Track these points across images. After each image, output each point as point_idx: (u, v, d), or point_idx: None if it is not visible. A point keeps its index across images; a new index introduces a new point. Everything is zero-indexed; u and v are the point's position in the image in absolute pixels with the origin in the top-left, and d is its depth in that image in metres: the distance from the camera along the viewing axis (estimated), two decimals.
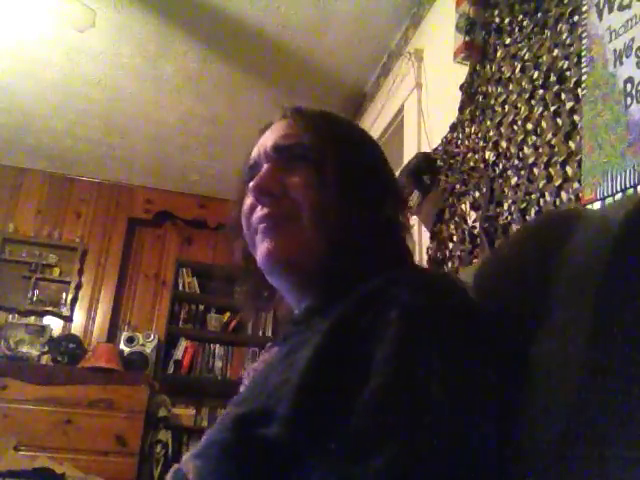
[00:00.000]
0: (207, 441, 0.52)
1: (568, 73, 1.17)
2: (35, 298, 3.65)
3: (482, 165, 1.48)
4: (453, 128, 1.71)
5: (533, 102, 1.29)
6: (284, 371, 0.51)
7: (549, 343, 0.46)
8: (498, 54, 1.50)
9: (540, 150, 1.23)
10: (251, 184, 0.65)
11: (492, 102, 1.49)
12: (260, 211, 0.66)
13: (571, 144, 1.13)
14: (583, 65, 1.08)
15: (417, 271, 0.65)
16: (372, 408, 0.43)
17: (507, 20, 1.48)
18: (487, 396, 0.46)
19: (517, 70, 1.38)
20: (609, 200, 0.95)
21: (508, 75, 1.42)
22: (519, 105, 1.34)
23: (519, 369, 0.48)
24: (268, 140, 0.69)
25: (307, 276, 0.63)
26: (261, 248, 0.65)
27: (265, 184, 0.65)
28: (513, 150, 1.34)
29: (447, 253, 1.64)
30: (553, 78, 1.22)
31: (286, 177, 0.65)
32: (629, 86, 0.95)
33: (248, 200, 0.69)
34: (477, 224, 1.46)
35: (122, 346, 3.60)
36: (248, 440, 0.46)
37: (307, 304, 0.65)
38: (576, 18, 1.16)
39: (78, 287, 3.78)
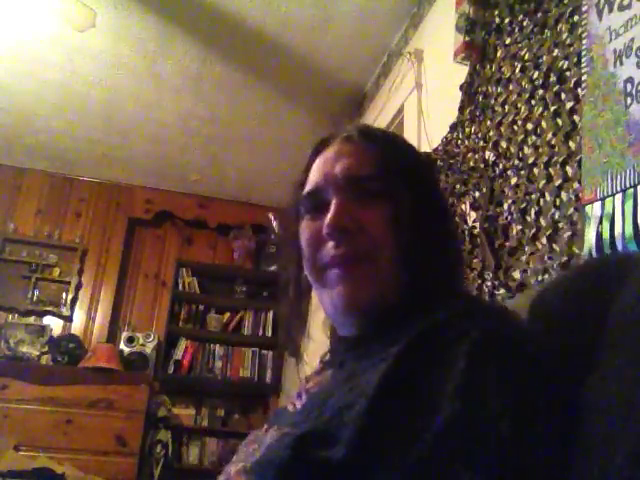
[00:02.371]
0: (263, 458, 0.51)
1: (568, 73, 1.17)
2: (35, 298, 3.66)
3: (482, 165, 1.48)
4: (453, 128, 1.71)
5: (533, 102, 1.29)
6: (345, 395, 0.51)
7: (605, 386, 0.47)
8: (498, 54, 1.50)
9: (540, 150, 1.23)
10: (327, 220, 0.61)
11: (492, 102, 1.49)
12: (334, 249, 0.61)
13: (571, 144, 1.13)
14: (583, 65, 1.08)
15: (480, 304, 0.65)
16: (437, 439, 0.43)
17: (507, 20, 1.48)
18: (553, 435, 0.47)
19: (517, 70, 1.38)
20: (609, 200, 0.95)
21: (508, 75, 1.42)
22: (519, 105, 1.34)
23: (573, 410, 0.49)
24: (336, 166, 0.64)
25: (380, 316, 0.60)
26: (335, 292, 0.61)
27: (342, 221, 0.60)
28: (513, 150, 1.34)
29: None
30: (553, 78, 1.22)
31: (361, 212, 0.61)
32: (629, 86, 0.95)
33: (309, 228, 0.65)
34: (477, 224, 1.46)
35: (122, 346, 3.60)
36: (307, 461, 0.46)
37: (364, 330, 0.62)
38: (576, 18, 1.16)
39: (78, 287, 3.78)
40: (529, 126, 1.29)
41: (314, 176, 0.66)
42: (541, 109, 1.25)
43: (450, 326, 0.51)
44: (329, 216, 0.61)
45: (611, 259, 0.67)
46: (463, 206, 1.57)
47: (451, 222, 0.70)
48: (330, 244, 0.62)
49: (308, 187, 0.67)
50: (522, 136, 1.31)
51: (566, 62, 1.18)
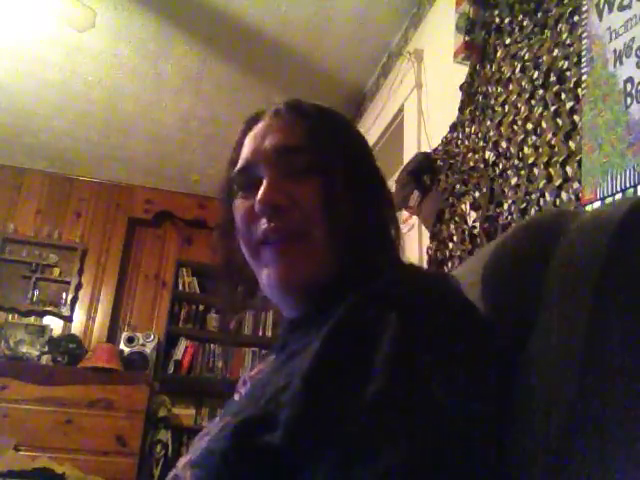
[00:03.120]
0: (205, 450, 0.51)
1: (568, 73, 1.17)
2: (35, 298, 3.66)
3: (482, 165, 1.48)
4: (453, 128, 1.71)
5: (533, 102, 1.29)
6: (283, 377, 0.50)
7: (544, 341, 0.46)
8: (498, 54, 1.50)
9: (540, 150, 1.23)
10: (258, 196, 0.60)
11: (492, 102, 1.49)
12: (266, 224, 0.60)
13: (571, 144, 1.13)
14: (583, 65, 1.08)
15: (414, 272, 0.63)
16: (372, 411, 0.42)
17: (507, 20, 1.48)
18: (487, 396, 0.46)
19: (517, 70, 1.38)
20: (609, 200, 0.95)
21: (508, 75, 1.42)
22: (519, 105, 1.34)
23: (511, 368, 0.49)
24: (265, 141, 0.63)
25: (315, 293, 0.59)
26: (271, 271, 0.60)
27: (273, 197, 0.59)
28: (513, 150, 1.34)
29: (447, 253, 1.64)
30: (553, 78, 1.22)
31: (292, 187, 0.60)
32: (629, 86, 0.95)
33: (242, 205, 0.63)
34: (477, 224, 1.46)
35: (122, 346, 3.60)
36: (249, 448, 0.45)
37: (304, 311, 0.62)
38: (576, 18, 1.16)
39: (78, 287, 3.78)
40: (529, 126, 1.29)
41: (244, 153, 0.65)
42: (541, 109, 1.25)
43: (379, 298, 0.50)
44: (260, 193, 0.60)
45: (548, 214, 0.66)
46: (463, 206, 1.57)
47: (386, 194, 0.67)
48: (263, 220, 0.60)
49: (239, 164, 0.65)
50: (522, 136, 1.31)
51: (566, 62, 1.18)
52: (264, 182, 0.61)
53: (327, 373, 0.47)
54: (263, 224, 0.60)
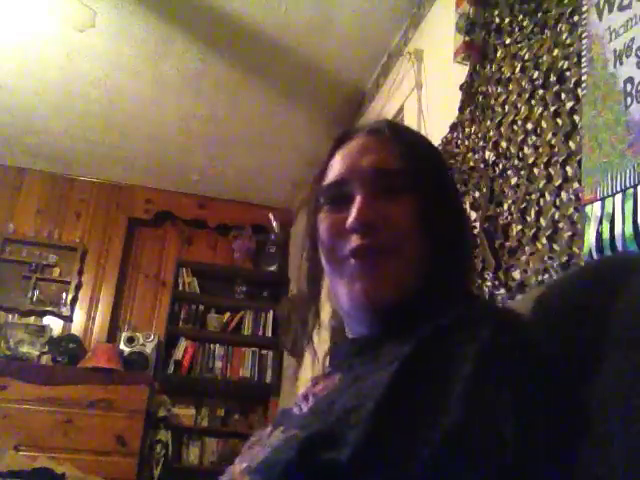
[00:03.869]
0: (269, 459, 0.52)
1: (568, 73, 1.17)
2: (35, 298, 3.65)
3: (482, 165, 1.48)
4: (453, 128, 1.71)
5: (533, 102, 1.29)
6: (352, 398, 0.51)
7: (606, 384, 0.47)
8: (498, 54, 1.50)
9: (540, 150, 1.23)
10: (353, 213, 0.60)
11: (492, 102, 1.49)
12: (357, 240, 0.60)
13: (571, 144, 1.13)
14: (583, 65, 1.08)
15: (489, 306, 0.66)
16: (447, 441, 0.43)
17: (507, 20, 1.48)
18: (556, 438, 0.47)
19: (517, 70, 1.38)
20: (609, 200, 0.95)
21: (508, 75, 1.42)
22: (519, 105, 1.34)
23: (571, 409, 0.50)
24: (362, 159, 0.64)
25: (394, 312, 0.60)
26: (356, 286, 0.60)
27: (367, 216, 0.60)
28: (513, 150, 1.34)
29: None
30: (553, 78, 1.22)
31: (386, 206, 0.61)
32: (629, 86, 0.95)
33: (329, 218, 0.64)
34: (477, 224, 1.46)
35: (122, 346, 3.60)
36: (313, 462, 0.46)
37: (371, 334, 0.62)
38: (576, 18, 1.16)
39: (78, 287, 3.78)
40: (529, 126, 1.29)
41: (338, 168, 0.65)
42: (541, 109, 1.25)
43: (458, 330, 0.51)
44: (354, 210, 0.60)
45: (612, 259, 0.68)
46: (463, 206, 1.57)
47: (467, 221, 0.70)
48: (354, 236, 0.61)
49: (332, 177, 0.66)
50: (522, 136, 1.31)
51: (566, 62, 1.18)
52: (358, 199, 0.61)
53: (401, 398, 0.47)
54: (354, 240, 0.61)
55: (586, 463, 0.46)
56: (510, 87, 1.40)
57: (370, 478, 0.44)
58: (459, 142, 1.66)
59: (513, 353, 0.50)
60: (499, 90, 1.46)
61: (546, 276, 1.15)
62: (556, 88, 1.20)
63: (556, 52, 1.22)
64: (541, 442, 0.46)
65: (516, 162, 1.32)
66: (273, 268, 3.99)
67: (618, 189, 0.93)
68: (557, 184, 1.16)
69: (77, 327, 3.73)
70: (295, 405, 0.66)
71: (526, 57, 1.34)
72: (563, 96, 1.18)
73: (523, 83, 1.34)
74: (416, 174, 0.62)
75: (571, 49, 1.17)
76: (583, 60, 1.08)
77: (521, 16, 1.40)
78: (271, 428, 0.61)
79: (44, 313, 3.67)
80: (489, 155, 1.46)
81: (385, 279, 0.60)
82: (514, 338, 0.51)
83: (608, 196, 0.95)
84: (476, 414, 0.45)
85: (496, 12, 1.54)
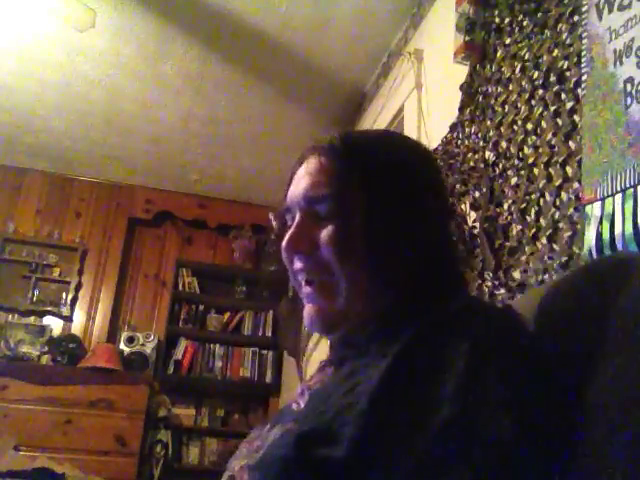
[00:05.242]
0: (266, 455, 0.52)
1: (568, 73, 1.17)
2: (35, 298, 3.65)
3: (482, 165, 1.48)
4: (453, 128, 1.71)
5: (533, 102, 1.29)
6: (346, 394, 0.51)
7: (606, 384, 0.48)
8: (498, 54, 1.50)
9: (540, 150, 1.23)
10: (284, 242, 0.65)
11: (492, 102, 1.49)
12: (297, 263, 0.65)
13: (571, 144, 1.13)
14: (583, 65, 1.08)
15: (482, 304, 0.65)
16: (441, 436, 0.44)
17: (507, 20, 1.48)
18: (552, 436, 0.47)
19: (517, 70, 1.38)
20: (609, 200, 0.95)
21: (508, 75, 1.42)
22: (519, 105, 1.34)
23: (572, 408, 0.50)
24: (300, 184, 0.66)
25: (359, 326, 0.62)
26: (305, 310, 0.65)
27: (294, 244, 0.64)
28: (513, 150, 1.34)
29: None
30: (553, 78, 1.22)
31: (316, 231, 0.63)
32: (629, 86, 0.95)
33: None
34: (477, 224, 1.46)
35: (122, 346, 3.60)
36: (309, 458, 0.47)
37: (365, 329, 0.63)
38: (576, 18, 1.16)
39: (78, 287, 3.78)
40: (529, 126, 1.29)
41: (290, 194, 0.69)
42: (541, 109, 1.25)
43: (450, 325, 0.51)
44: (285, 238, 0.64)
45: (612, 259, 0.68)
46: (463, 206, 1.57)
47: (441, 222, 0.67)
48: (295, 258, 0.65)
49: (283, 204, 0.70)
50: (522, 136, 1.31)
51: (566, 62, 1.18)
52: (292, 227, 0.65)
53: (394, 394, 0.48)
54: (296, 262, 0.65)
55: (585, 463, 0.46)
56: (510, 87, 1.40)
57: (365, 474, 0.44)
58: (459, 142, 1.66)
59: (507, 350, 0.50)
60: (499, 90, 1.46)
61: (546, 276, 1.15)
62: (556, 88, 1.20)
63: (556, 52, 1.22)
64: (538, 440, 0.46)
65: (516, 162, 1.32)
66: (273, 268, 3.99)
67: (618, 189, 0.93)
68: (557, 184, 1.16)
69: (77, 327, 3.73)
70: (293, 402, 0.66)
71: (526, 57, 1.34)
72: (563, 96, 1.18)
73: (523, 83, 1.34)
74: (340, 200, 0.62)
75: (571, 49, 1.17)
76: (583, 60, 1.08)
77: (521, 16, 1.40)
78: (270, 425, 0.61)
79: (44, 313, 3.67)
80: (489, 155, 1.46)
81: (325, 303, 0.63)
82: (508, 335, 0.52)
83: (608, 196, 0.95)
84: (469, 410, 0.45)
85: (496, 12, 1.54)
